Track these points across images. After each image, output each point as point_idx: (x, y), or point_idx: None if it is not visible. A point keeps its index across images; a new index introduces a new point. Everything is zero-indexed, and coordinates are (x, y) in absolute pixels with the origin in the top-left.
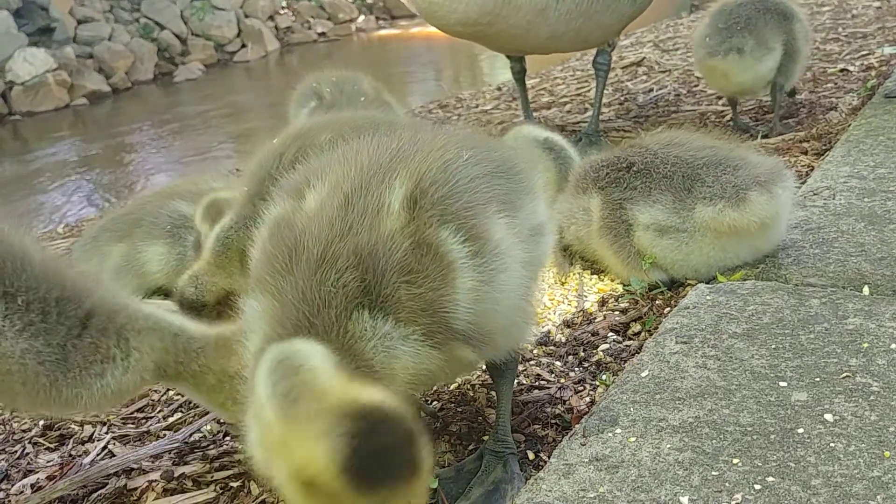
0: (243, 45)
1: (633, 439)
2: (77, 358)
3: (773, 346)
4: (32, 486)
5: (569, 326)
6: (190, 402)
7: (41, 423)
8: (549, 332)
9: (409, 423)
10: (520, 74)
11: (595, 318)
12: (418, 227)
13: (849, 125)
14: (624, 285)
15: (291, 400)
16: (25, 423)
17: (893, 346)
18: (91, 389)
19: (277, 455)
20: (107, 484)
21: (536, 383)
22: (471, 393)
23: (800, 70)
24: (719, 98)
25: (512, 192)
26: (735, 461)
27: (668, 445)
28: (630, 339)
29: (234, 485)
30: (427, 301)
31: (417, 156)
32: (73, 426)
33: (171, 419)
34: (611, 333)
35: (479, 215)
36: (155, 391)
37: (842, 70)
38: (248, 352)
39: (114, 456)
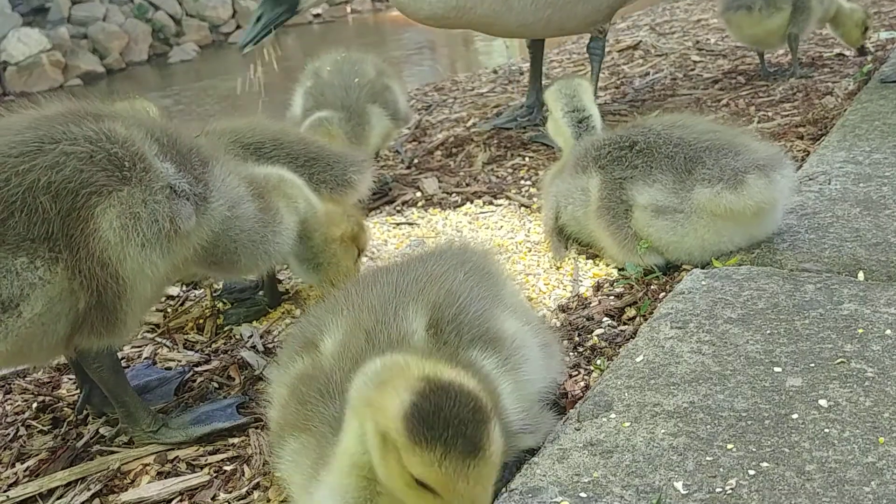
0: (238, 26)
1: (627, 424)
2: (267, 217)
3: (768, 332)
4: (25, 469)
5: (564, 311)
6: (183, 387)
7: (34, 405)
8: (543, 316)
9: (481, 404)
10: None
11: (590, 303)
12: (449, 352)
13: (845, 110)
14: (619, 270)
15: (383, 373)
16: (19, 405)
17: (888, 331)
18: (276, 246)
19: (366, 417)
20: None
21: None
22: None
23: (814, 21)
24: (715, 82)
25: (496, 285)
26: (729, 446)
27: (663, 430)
28: (625, 324)
29: (228, 468)
30: None
31: (427, 287)
32: (66, 409)
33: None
34: (606, 318)
35: (491, 319)
36: None
37: (838, 55)
38: (294, 486)
39: (104, 437)
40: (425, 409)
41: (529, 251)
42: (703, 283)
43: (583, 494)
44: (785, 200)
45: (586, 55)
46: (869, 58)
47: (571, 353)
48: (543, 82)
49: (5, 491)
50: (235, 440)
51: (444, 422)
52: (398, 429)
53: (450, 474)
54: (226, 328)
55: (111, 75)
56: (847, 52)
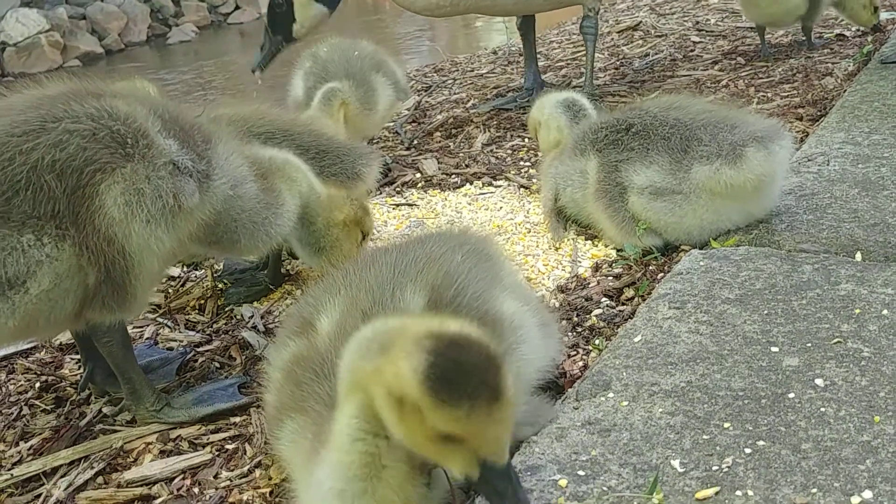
0: (237, 7)
1: (625, 403)
2: (269, 199)
3: (766, 312)
4: (29, 448)
5: (562, 292)
6: (185, 367)
7: (37, 385)
8: (542, 297)
9: (490, 350)
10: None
11: (589, 284)
12: None
13: (844, 91)
14: (618, 251)
15: (381, 338)
16: (22, 384)
17: (885, 311)
18: (276, 228)
19: (375, 385)
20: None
21: None
22: None
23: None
24: (715, 63)
25: (494, 266)
26: (726, 425)
27: (660, 409)
28: (623, 304)
29: (230, 447)
30: None
31: (425, 268)
32: (69, 389)
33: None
34: (604, 299)
35: (490, 299)
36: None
37: (838, 35)
38: (294, 466)
39: (107, 416)
40: (444, 366)
41: (529, 232)
42: (702, 263)
43: (581, 472)
44: (784, 172)
45: None
46: (869, 38)
47: (570, 333)
48: (543, 63)
49: (9, 469)
50: (237, 419)
51: (466, 375)
52: (419, 391)
53: (478, 424)
54: (227, 308)
55: (110, 56)
56: (847, 33)
